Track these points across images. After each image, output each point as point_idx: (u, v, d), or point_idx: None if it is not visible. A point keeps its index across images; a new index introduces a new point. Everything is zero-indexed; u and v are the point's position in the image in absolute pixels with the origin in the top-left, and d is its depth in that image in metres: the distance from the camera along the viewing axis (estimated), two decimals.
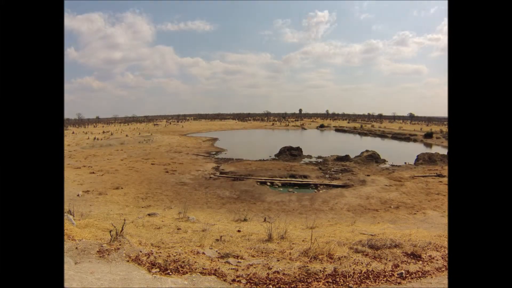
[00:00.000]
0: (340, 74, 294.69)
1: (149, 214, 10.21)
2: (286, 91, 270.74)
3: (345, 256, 4.40)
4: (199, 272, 3.81)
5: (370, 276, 3.80)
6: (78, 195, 13.99)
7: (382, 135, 54.43)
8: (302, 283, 3.60)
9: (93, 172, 19.76)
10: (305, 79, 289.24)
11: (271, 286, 3.54)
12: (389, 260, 4.30)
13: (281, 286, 3.54)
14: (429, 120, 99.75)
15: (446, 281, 3.54)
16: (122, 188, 15.89)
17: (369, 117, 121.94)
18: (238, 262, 4.31)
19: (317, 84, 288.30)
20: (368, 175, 19.94)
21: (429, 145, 40.10)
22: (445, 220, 10.60)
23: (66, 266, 3.57)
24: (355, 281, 3.67)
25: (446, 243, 4.95)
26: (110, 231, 4.81)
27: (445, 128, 58.95)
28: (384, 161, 26.29)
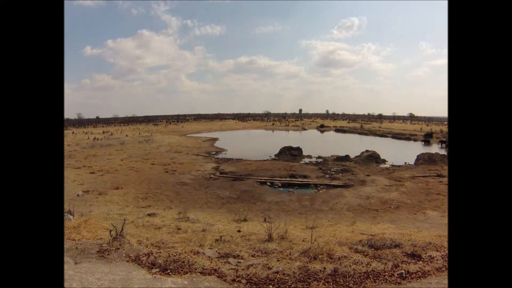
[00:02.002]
0: (365, 76, 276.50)
1: (149, 214, 10.21)
2: (299, 91, 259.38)
3: (345, 256, 4.40)
4: (199, 272, 3.81)
5: (370, 276, 3.80)
6: (78, 195, 13.99)
7: (382, 135, 54.44)
8: (302, 283, 3.60)
9: (93, 172, 19.75)
10: (333, 80, 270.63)
11: (271, 286, 3.54)
12: (389, 260, 4.30)
13: (281, 286, 3.53)
14: (429, 120, 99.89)
15: (446, 281, 3.54)
16: (122, 188, 15.88)
17: (369, 117, 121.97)
18: (238, 262, 4.31)
19: (341, 84, 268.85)
20: (368, 175, 19.94)
21: (428, 143, 40.15)
22: (445, 220, 10.59)
23: (66, 266, 3.57)
24: (355, 281, 3.67)
25: (446, 243, 4.95)
26: (110, 231, 4.81)
27: (445, 128, 58.95)
28: (384, 161, 26.28)
